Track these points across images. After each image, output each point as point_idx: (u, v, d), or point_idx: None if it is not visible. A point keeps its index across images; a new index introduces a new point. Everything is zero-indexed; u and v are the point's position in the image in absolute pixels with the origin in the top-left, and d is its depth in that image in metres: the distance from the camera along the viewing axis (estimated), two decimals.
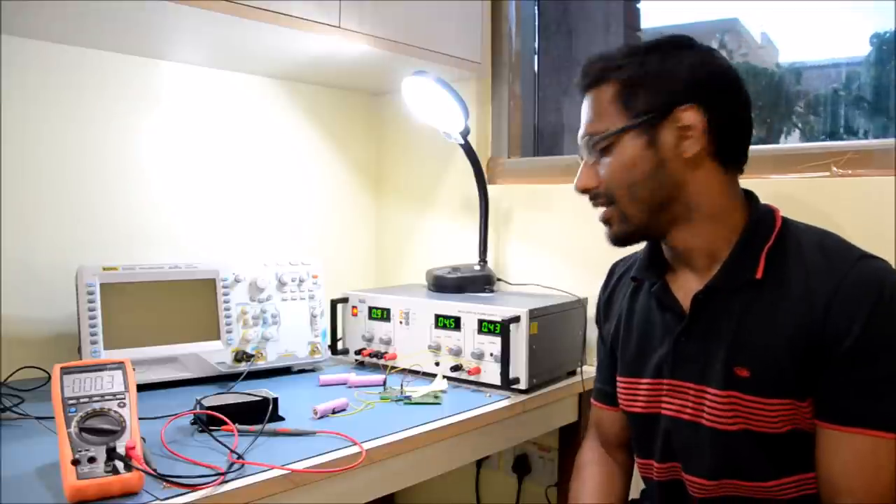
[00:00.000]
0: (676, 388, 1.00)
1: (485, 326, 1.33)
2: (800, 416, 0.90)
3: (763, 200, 1.01)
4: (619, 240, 1.01)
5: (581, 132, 1.01)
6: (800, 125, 1.63)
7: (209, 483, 0.85)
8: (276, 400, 1.11)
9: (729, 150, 0.96)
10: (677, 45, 0.97)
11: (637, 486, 1.16)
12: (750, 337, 0.92)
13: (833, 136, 1.54)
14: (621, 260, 1.20)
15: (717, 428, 0.94)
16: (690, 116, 0.93)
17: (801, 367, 0.88)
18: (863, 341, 0.85)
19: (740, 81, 0.97)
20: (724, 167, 0.96)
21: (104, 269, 1.29)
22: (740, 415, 0.92)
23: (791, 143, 1.63)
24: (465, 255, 1.78)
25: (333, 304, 1.53)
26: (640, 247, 1.11)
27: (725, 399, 0.93)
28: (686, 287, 1.00)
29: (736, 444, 0.93)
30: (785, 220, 0.98)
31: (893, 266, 0.92)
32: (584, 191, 1.01)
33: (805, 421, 0.90)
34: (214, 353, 1.35)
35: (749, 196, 1.00)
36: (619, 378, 1.10)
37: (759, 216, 0.97)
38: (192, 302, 1.36)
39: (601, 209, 1.01)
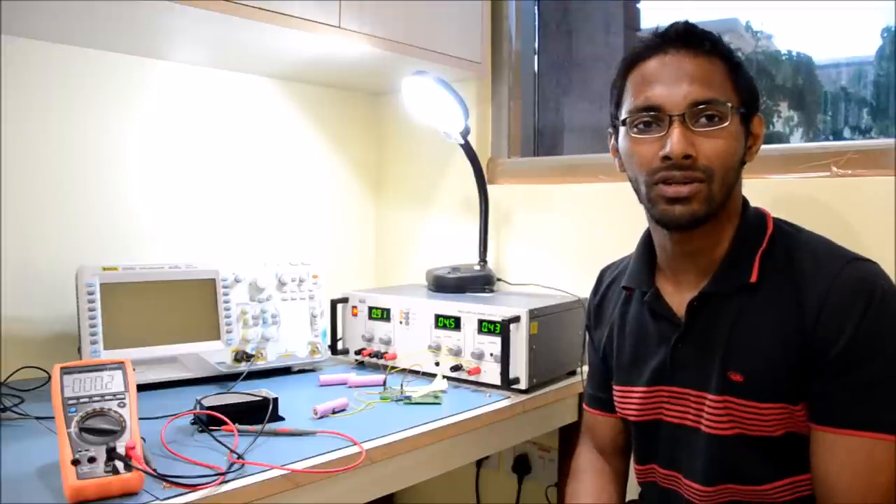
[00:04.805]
0: (678, 395, 0.99)
1: (485, 326, 1.33)
2: (794, 420, 0.90)
3: (763, 200, 1.01)
4: (694, 220, 0.91)
5: (684, 92, 0.89)
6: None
7: (209, 483, 0.85)
8: (276, 400, 1.11)
9: None
10: None
11: (632, 491, 1.16)
12: (743, 341, 0.92)
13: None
14: (610, 265, 1.19)
15: (714, 433, 0.94)
16: (760, 126, 0.96)
17: (794, 372, 0.88)
18: (855, 344, 0.85)
19: None
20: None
21: (104, 269, 1.29)
22: (735, 419, 0.92)
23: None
24: (465, 255, 1.78)
25: (333, 304, 1.53)
26: (628, 250, 1.11)
27: (721, 404, 0.93)
28: (679, 293, 1.00)
29: (731, 448, 0.93)
30: (776, 222, 0.98)
31: (894, 267, 0.92)
32: (683, 157, 0.88)
33: (799, 424, 0.90)
34: (214, 353, 1.35)
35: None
36: (613, 386, 1.09)
37: (750, 219, 0.97)
38: (192, 302, 1.36)
39: (684, 186, 0.90)
